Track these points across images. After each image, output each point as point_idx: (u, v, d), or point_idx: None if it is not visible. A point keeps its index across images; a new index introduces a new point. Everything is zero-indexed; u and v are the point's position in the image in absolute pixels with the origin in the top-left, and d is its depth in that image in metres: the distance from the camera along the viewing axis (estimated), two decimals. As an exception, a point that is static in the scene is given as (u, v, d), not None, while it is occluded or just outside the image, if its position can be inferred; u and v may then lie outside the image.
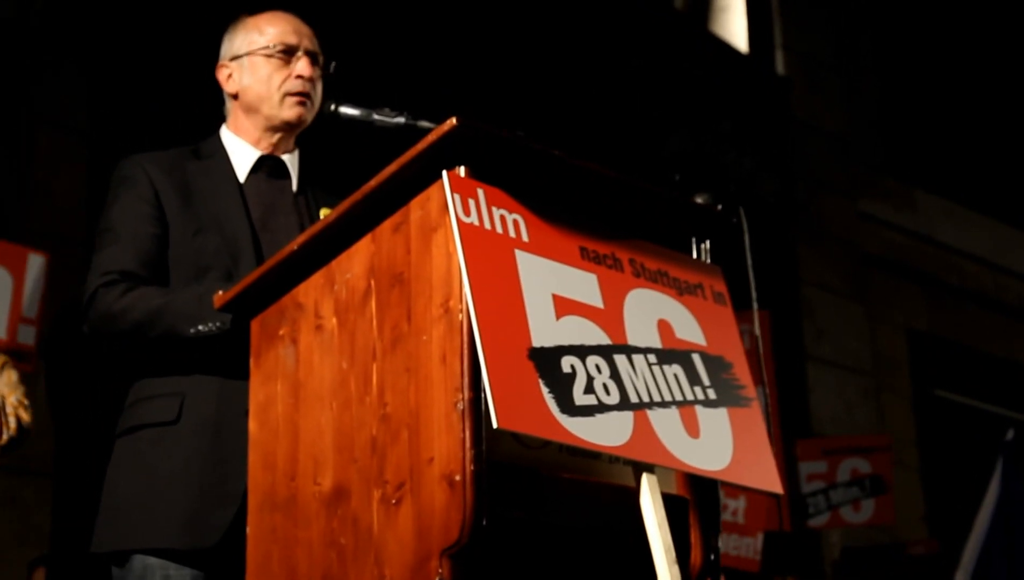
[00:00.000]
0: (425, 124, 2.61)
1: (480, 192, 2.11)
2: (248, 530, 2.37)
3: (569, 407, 2.04)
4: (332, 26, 3.60)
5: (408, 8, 8.12)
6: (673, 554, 2.13)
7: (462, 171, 2.11)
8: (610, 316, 2.20)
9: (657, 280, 2.33)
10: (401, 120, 2.66)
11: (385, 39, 7.89)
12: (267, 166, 2.86)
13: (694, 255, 2.46)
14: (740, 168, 9.73)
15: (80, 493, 5.79)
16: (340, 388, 2.25)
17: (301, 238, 2.33)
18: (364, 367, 2.21)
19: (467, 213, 2.08)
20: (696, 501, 2.35)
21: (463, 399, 2.01)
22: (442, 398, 2.05)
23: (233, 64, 2.86)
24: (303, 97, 2.82)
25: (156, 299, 2.61)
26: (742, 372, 2.37)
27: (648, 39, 9.64)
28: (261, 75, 2.82)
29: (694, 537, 2.33)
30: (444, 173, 2.09)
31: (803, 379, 10.16)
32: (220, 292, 2.49)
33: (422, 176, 2.14)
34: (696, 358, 2.31)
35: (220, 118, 2.93)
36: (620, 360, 2.17)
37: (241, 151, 2.85)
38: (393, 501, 2.10)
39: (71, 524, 6.04)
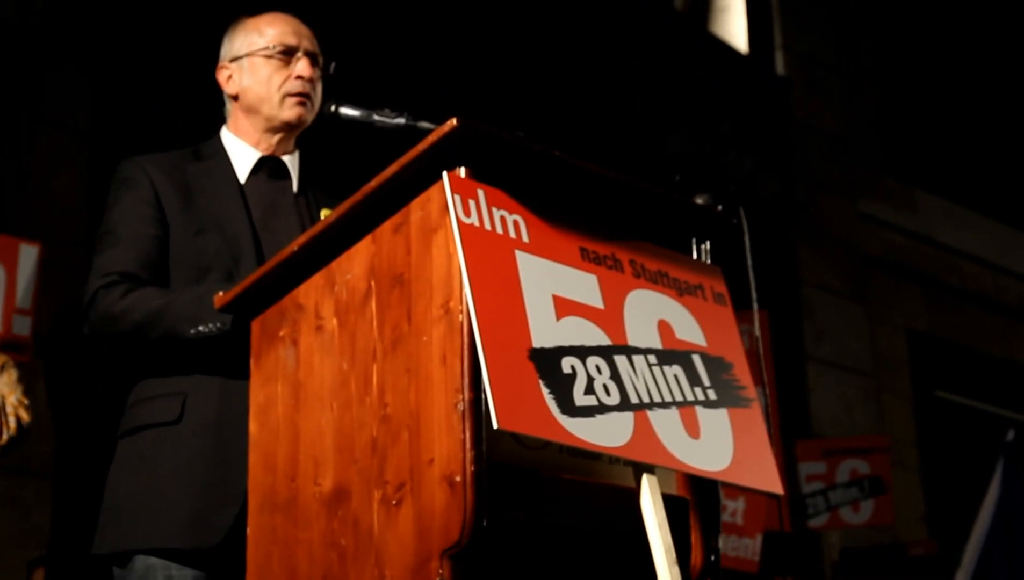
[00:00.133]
0: (425, 125, 2.61)
1: (480, 193, 2.11)
2: (248, 531, 2.37)
3: (569, 408, 2.04)
4: (332, 27, 3.60)
5: (408, 8, 8.12)
6: (673, 555, 2.13)
7: (462, 172, 2.11)
8: (610, 317, 2.20)
9: (657, 281, 2.33)
10: (401, 121, 2.66)
11: (385, 39, 7.89)
12: (268, 167, 2.86)
13: (694, 256, 2.46)
14: (740, 168, 9.73)
15: (80, 493, 5.80)
16: (340, 389, 2.25)
17: (301, 239, 2.33)
18: (364, 368, 2.21)
19: (467, 214, 2.08)
20: (696, 502, 2.35)
21: (463, 400, 2.01)
22: (442, 399, 2.05)
23: (233, 65, 2.86)
24: (303, 98, 2.82)
25: (156, 300, 2.61)
26: (742, 373, 2.37)
27: (648, 39, 9.64)
28: (261, 76, 2.82)
29: (694, 538, 2.33)
30: (444, 174, 2.09)
31: (803, 380, 10.16)
32: (220, 293, 2.49)
33: (422, 177, 2.14)
34: (696, 359, 2.31)
35: (220, 119, 2.93)
36: (620, 361, 2.17)
37: (242, 152, 2.86)
38: (393, 502, 2.10)
39: (71, 524, 6.04)
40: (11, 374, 4.60)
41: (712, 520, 2.35)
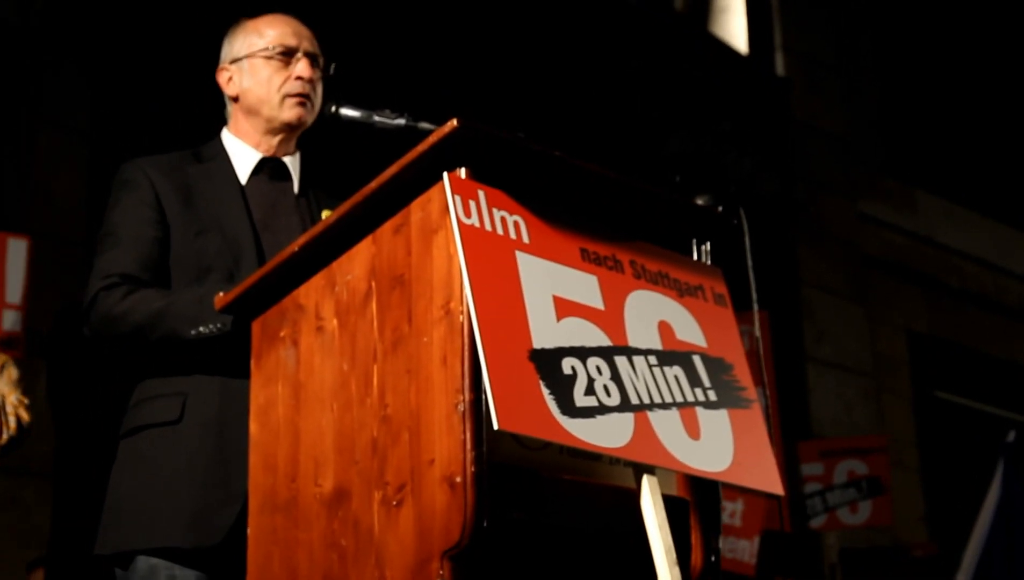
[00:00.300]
0: (426, 125, 2.61)
1: (481, 193, 2.11)
2: (249, 531, 2.37)
3: (570, 408, 2.04)
4: (332, 27, 3.60)
5: (408, 9, 8.12)
6: (674, 555, 2.13)
7: (463, 173, 2.12)
8: (611, 317, 2.20)
9: (658, 281, 2.33)
10: (402, 122, 2.66)
11: (385, 40, 7.89)
12: (268, 168, 2.86)
13: (694, 256, 2.46)
14: (740, 169, 9.73)
15: (80, 493, 5.80)
16: (341, 390, 2.25)
17: (302, 239, 2.33)
18: (365, 368, 2.21)
19: (468, 215, 2.08)
20: (697, 502, 2.35)
21: (464, 401, 2.01)
22: (443, 399, 2.05)
23: (233, 67, 2.86)
24: (303, 98, 2.82)
25: (157, 302, 2.61)
26: (742, 373, 2.38)
27: (648, 40, 9.64)
28: (261, 77, 2.82)
29: (695, 539, 2.33)
30: (445, 175, 2.09)
31: (803, 380, 10.16)
32: (221, 294, 2.49)
33: (423, 178, 2.14)
34: (697, 359, 2.31)
35: (221, 119, 2.93)
36: (621, 361, 2.17)
37: (242, 153, 2.86)
38: (394, 503, 2.10)
39: (71, 525, 6.04)
40: (11, 373, 4.60)
41: (712, 521, 2.35)
